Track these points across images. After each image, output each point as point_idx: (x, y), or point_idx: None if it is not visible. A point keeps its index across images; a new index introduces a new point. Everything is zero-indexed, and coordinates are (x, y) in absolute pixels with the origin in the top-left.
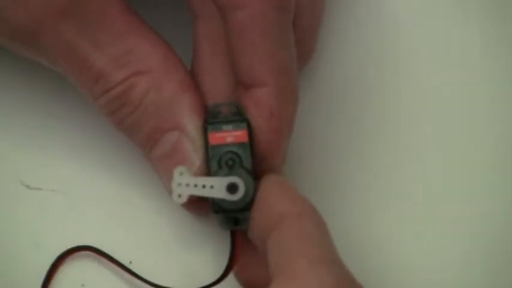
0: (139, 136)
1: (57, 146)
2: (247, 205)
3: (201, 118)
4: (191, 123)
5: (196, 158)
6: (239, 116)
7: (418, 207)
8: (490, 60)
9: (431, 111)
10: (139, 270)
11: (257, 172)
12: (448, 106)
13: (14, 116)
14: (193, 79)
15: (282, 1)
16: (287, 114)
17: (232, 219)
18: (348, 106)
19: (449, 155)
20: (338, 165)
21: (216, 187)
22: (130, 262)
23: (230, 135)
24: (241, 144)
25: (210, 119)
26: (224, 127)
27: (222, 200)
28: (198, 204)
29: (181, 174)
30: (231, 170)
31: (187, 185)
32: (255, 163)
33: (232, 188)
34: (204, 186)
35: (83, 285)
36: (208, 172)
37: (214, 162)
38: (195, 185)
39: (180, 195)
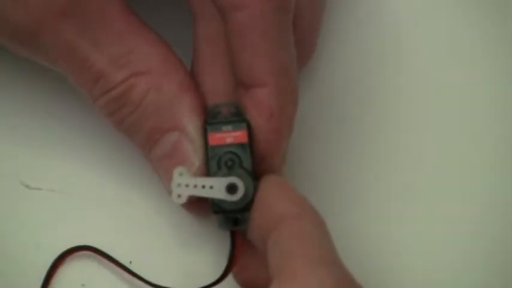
0: (139, 136)
1: (57, 146)
2: (246, 205)
3: (201, 118)
4: (191, 124)
5: (196, 159)
6: (239, 117)
7: (418, 207)
8: (490, 60)
9: (432, 111)
10: (139, 270)
11: (257, 172)
12: (448, 106)
13: (14, 116)
14: (193, 79)
15: (282, 2)
16: (287, 115)
17: (232, 220)
18: (348, 106)
19: (449, 155)
20: (338, 165)
21: (215, 187)
22: (131, 262)
23: (230, 136)
24: (240, 145)
25: (210, 119)
26: (224, 127)
27: (222, 201)
28: (197, 205)
29: (180, 174)
30: (230, 171)
31: (187, 185)
32: (255, 163)
33: (231, 189)
34: (203, 187)
35: (83, 285)
36: (207, 172)
37: (213, 162)
38: (195, 186)
39: (179, 196)
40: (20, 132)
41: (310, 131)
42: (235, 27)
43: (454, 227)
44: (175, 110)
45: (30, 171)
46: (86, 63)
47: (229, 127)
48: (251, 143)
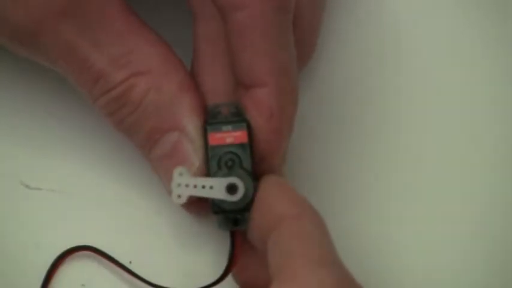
0: (139, 136)
1: (57, 146)
2: (246, 206)
3: (201, 118)
4: (191, 124)
5: (196, 159)
6: (239, 117)
7: (418, 207)
8: (490, 60)
9: (432, 111)
10: (139, 270)
11: (257, 172)
12: (448, 106)
13: (14, 116)
14: (193, 79)
15: (282, 2)
16: (287, 115)
17: (232, 220)
18: (348, 106)
19: (449, 155)
20: (338, 165)
21: (215, 188)
22: (130, 262)
23: (230, 136)
24: (240, 145)
25: (210, 119)
26: (224, 128)
27: (222, 201)
28: (197, 205)
29: (180, 174)
30: (230, 171)
31: (187, 185)
32: (255, 163)
33: (231, 189)
34: (203, 187)
35: (83, 285)
36: (207, 173)
37: (213, 162)
38: (195, 186)
39: (179, 196)
40: (20, 132)
41: (310, 131)
42: (235, 27)
43: (454, 227)
44: (175, 110)
45: (30, 171)
46: (86, 63)
47: (229, 127)
48: (251, 143)
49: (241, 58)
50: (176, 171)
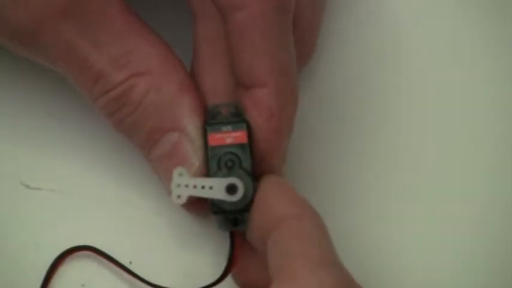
0: (139, 137)
1: (57, 146)
2: (246, 206)
3: (201, 119)
4: (191, 124)
5: (196, 159)
6: (238, 117)
7: (418, 207)
8: (490, 60)
9: (431, 111)
10: (139, 271)
11: (256, 173)
12: (448, 106)
13: (14, 116)
14: (193, 80)
15: (282, 2)
16: (287, 115)
17: (232, 220)
18: (348, 106)
19: (449, 155)
20: (338, 165)
21: (215, 188)
22: (130, 262)
23: (229, 136)
24: (240, 145)
25: (210, 119)
26: (223, 128)
27: (222, 201)
28: (197, 205)
29: (180, 175)
30: (230, 171)
31: (187, 185)
32: (255, 164)
33: (231, 189)
34: (203, 187)
35: (82, 285)
36: (207, 173)
37: (213, 163)
38: (194, 186)
39: (179, 196)
40: (20, 132)
41: (310, 131)
42: (235, 27)
43: (454, 227)
44: (175, 110)
45: (30, 171)
46: (85, 63)
47: (229, 127)
48: (251, 144)
49: (241, 58)
50: (176, 172)
